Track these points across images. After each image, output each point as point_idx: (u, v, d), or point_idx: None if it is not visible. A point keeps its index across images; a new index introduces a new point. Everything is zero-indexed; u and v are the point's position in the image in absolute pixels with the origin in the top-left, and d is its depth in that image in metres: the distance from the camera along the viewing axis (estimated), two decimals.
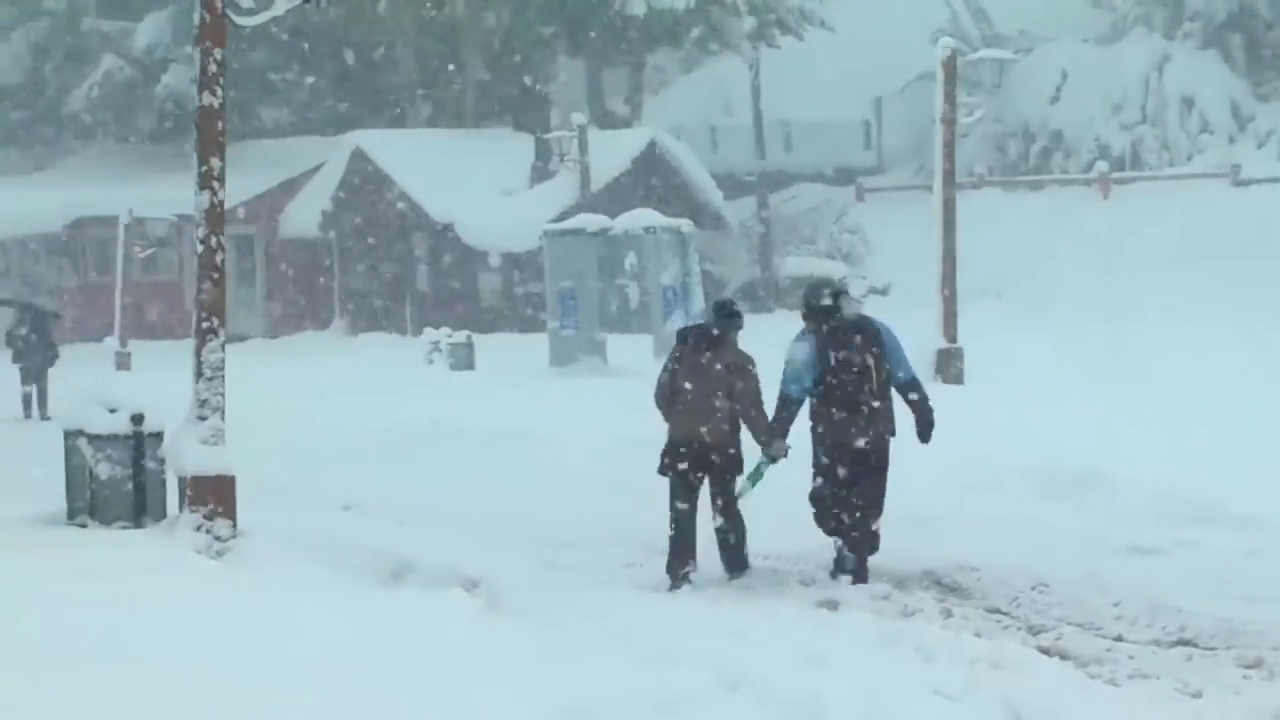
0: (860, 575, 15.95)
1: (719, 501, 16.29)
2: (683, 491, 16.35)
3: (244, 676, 10.46)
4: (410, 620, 12.36)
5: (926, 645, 12.64)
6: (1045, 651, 13.08)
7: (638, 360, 37.31)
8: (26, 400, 34.96)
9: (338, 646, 11.22)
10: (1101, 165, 56.54)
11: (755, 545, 16.83)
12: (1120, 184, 55.71)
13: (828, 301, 16.23)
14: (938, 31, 50.95)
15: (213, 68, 16.50)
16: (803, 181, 61.48)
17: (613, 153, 52.33)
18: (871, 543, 16.18)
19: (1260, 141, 56.60)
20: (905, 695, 11.20)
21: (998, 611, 14.76)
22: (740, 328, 16.51)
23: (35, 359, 35.42)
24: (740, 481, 16.39)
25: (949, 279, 30.08)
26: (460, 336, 41.76)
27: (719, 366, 16.21)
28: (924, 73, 46.65)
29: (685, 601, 14.31)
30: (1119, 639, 13.64)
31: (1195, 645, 13.39)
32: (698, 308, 38.93)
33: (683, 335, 16.87)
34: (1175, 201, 52.79)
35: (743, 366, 16.23)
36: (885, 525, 16.45)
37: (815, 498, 16.42)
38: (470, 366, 40.29)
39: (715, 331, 16.39)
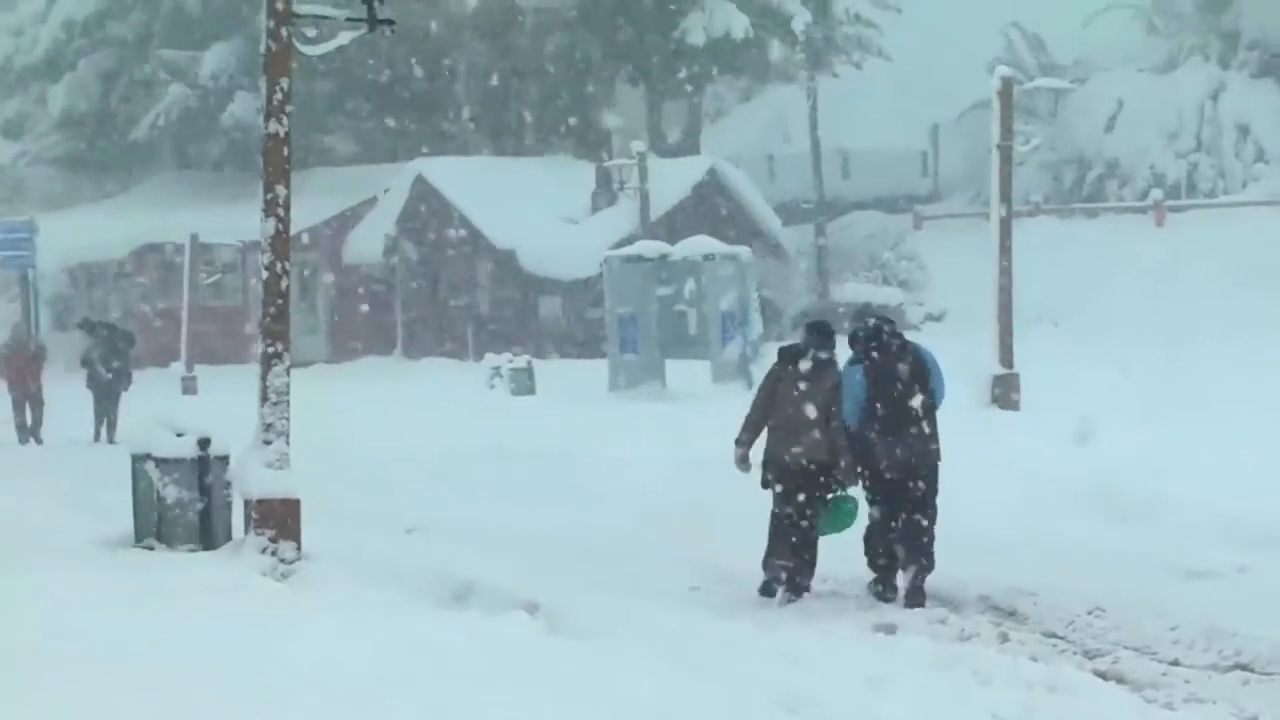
0: (916, 599, 16.05)
1: (808, 512, 16.60)
2: (783, 503, 16.66)
3: (307, 696, 10.48)
4: (472, 642, 12.36)
5: (984, 669, 12.61)
6: (1102, 676, 13.05)
7: (696, 385, 37.35)
8: (99, 423, 35.02)
9: (401, 669, 11.22)
10: (1156, 193, 56.41)
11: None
12: (1175, 211, 55.56)
13: (873, 330, 16.60)
14: (994, 60, 50.95)
15: (279, 96, 16.55)
16: (860, 209, 61.43)
17: (672, 181, 52.37)
18: (926, 565, 16.24)
19: None
20: (963, 719, 11.18)
21: (1054, 636, 14.72)
22: (834, 345, 16.89)
23: (108, 383, 35.39)
24: (824, 518, 16.74)
25: (1005, 305, 30.02)
26: (521, 361, 41.82)
27: (819, 385, 16.65)
28: (980, 101, 46.61)
29: (745, 624, 14.27)
30: (1175, 663, 13.60)
31: (1251, 670, 13.33)
32: (756, 334, 38.97)
33: (783, 355, 17.22)
34: (1230, 229, 52.59)
35: (839, 387, 16.62)
36: (942, 548, 16.51)
37: (868, 534, 16.75)
38: (531, 391, 40.34)
39: (814, 352, 16.77)
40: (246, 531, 16.44)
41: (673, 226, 48.08)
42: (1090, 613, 15.40)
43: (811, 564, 16.66)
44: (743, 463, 17.15)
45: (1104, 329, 44.78)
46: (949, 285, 50.22)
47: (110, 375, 35.36)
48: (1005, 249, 30.07)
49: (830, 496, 16.72)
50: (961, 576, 16.81)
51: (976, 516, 18.43)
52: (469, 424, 32.86)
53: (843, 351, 16.87)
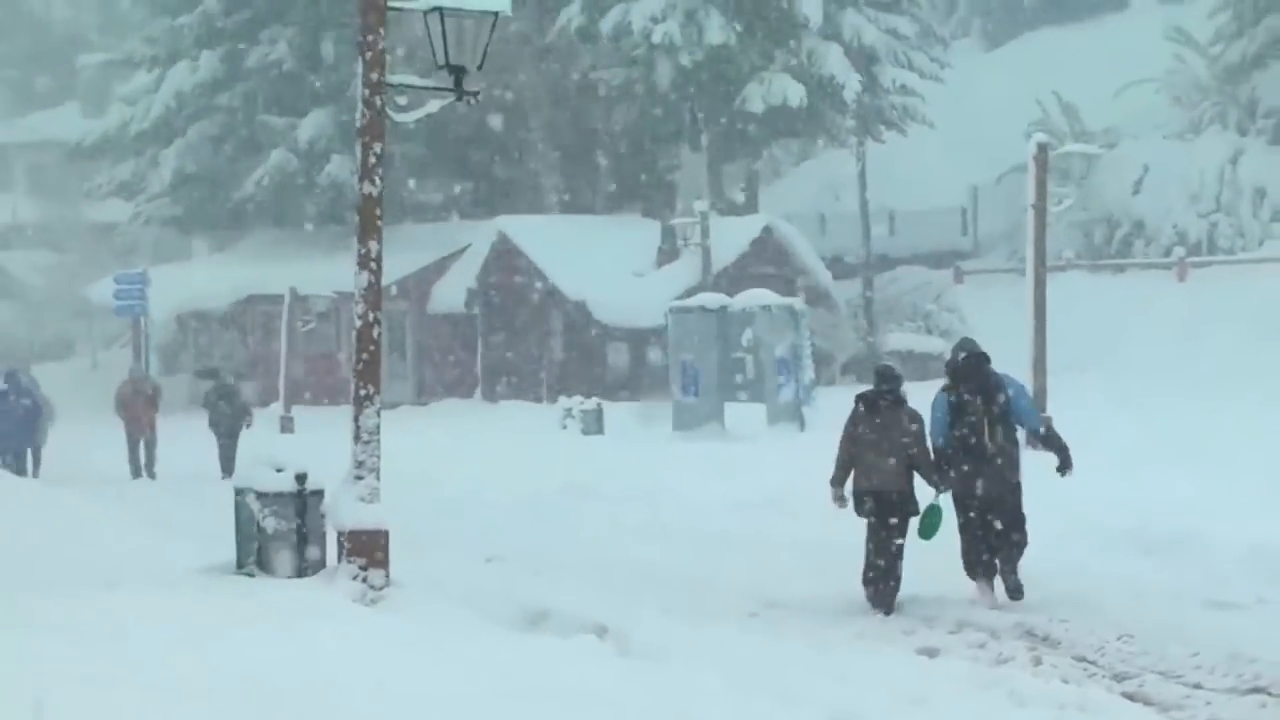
0: (1017, 594, 17.02)
1: (896, 538, 17.37)
2: (876, 532, 17.43)
3: (395, 713, 10.49)
4: (547, 663, 12.37)
5: (1019, 691, 12.58)
6: (1129, 698, 13.00)
7: (753, 426, 37.35)
8: (222, 461, 34.99)
9: (482, 688, 11.23)
10: (1179, 250, 56.20)
11: (854, 597, 16.95)
12: (1197, 268, 55.34)
13: (962, 362, 17.52)
14: (1031, 127, 50.90)
15: (372, 160, 16.63)
16: (905, 264, 61.26)
17: (732, 237, 52.39)
18: (1011, 574, 17.18)
19: None
20: None
21: (1085, 660, 14.67)
22: (903, 385, 17.75)
23: (227, 424, 35.51)
24: (917, 527, 17.52)
25: (1039, 354, 29.95)
26: (591, 404, 41.84)
27: (892, 422, 17.46)
28: (1017, 165, 46.50)
29: (797, 646, 14.25)
30: (1198, 686, 13.53)
31: (1270, 693, 13.27)
32: (808, 379, 38.94)
33: (861, 399, 17.94)
34: (1248, 284, 52.39)
35: (913, 420, 17.50)
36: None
37: (963, 551, 17.47)
38: (600, 431, 40.35)
39: (886, 393, 17.62)
40: (339, 560, 16.48)
41: (732, 280, 48.08)
42: (1119, 639, 15.34)
43: (896, 587, 17.30)
44: (838, 499, 17.87)
45: (1130, 377, 44.60)
46: (987, 335, 49.60)
47: (231, 416, 35.57)
48: (1039, 301, 30.03)
49: (915, 518, 17.47)
50: (1000, 606, 16.79)
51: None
52: (543, 462, 32.88)
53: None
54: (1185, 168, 58.86)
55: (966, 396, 17.37)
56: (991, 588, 17.31)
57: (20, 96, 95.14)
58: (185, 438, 36.57)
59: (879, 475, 17.48)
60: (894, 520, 17.41)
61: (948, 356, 18.22)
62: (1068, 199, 36.88)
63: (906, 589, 17.35)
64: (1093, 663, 14.56)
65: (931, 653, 14.90)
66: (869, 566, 17.45)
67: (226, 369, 40.76)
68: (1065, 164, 38.06)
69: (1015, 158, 47.89)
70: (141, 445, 36.18)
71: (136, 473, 35.91)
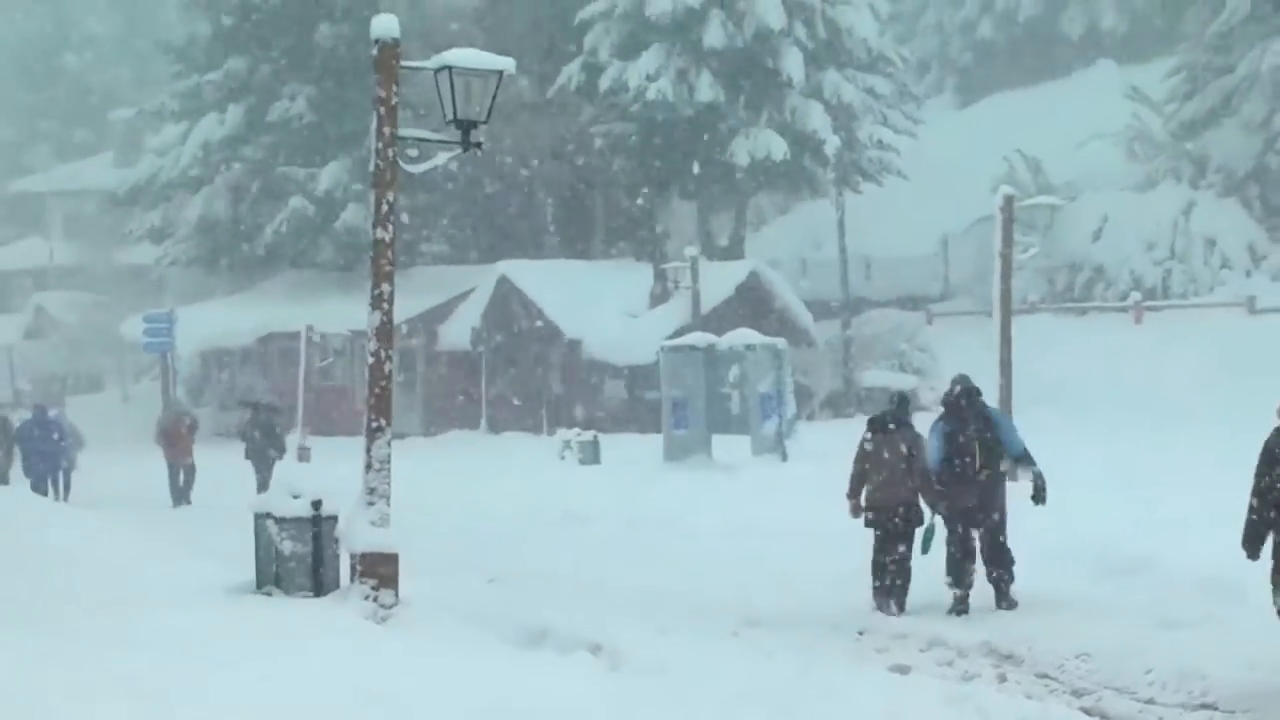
0: (1008, 604, 17.83)
1: (899, 546, 18.23)
2: (884, 540, 18.29)
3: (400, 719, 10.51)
4: (545, 678, 12.36)
5: (985, 706, 12.57)
6: (1087, 712, 13.01)
7: (738, 457, 37.31)
8: (260, 488, 34.76)
9: (484, 701, 11.23)
10: (1136, 295, 56.26)
11: (840, 617, 16.93)
12: (1152, 311, 55.39)
13: (956, 396, 18.42)
14: (997, 180, 50.98)
15: (385, 207, 16.64)
16: (880, 307, 61.27)
17: (719, 281, 52.40)
18: (1007, 577, 17.98)
19: (1274, 276, 56.20)
20: None
21: (1046, 676, 14.67)
22: (911, 413, 18.97)
23: (262, 454, 35.35)
24: (919, 542, 18.31)
25: (1006, 390, 29.94)
26: (588, 435, 41.78)
27: (899, 444, 18.35)
28: (985, 215, 46.53)
29: (780, 664, 14.24)
30: (1151, 702, 13.54)
31: (1217, 709, 13.28)
32: (790, 413, 38.91)
33: (872, 423, 18.82)
34: (1199, 327, 52.47)
35: (915, 443, 18.38)
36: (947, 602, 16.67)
37: (948, 560, 18.09)
38: (596, 461, 40.30)
39: (894, 417, 18.62)
40: (352, 580, 16.46)
41: (719, 320, 48.07)
42: (1078, 657, 15.34)
43: (905, 586, 18.19)
44: (854, 512, 18.60)
45: (1091, 412, 44.59)
46: (956, 372, 49.95)
47: (266, 446, 35.46)
48: (1006, 342, 30.04)
49: (920, 529, 18.25)
50: (967, 625, 16.80)
51: (980, 571, 18.45)
52: (543, 489, 32.88)
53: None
54: (1142, 218, 58.96)
55: (960, 426, 18.17)
56: (968, 598, 17.96)
57: (58, 147, 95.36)
58: (217, 466, 36.48)
59: (884, 490, 18.30)
60: (897, 531, 18.25)
61: (944, 391, 18.91)
62: (1032, 247, 36.83)
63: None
64: (1054, 679, 14.56)
65: (903, 670, 14.90)
66: (875, 573, 18.28)
67: (265, 402, 40.49)
68: (1030, 214, 37.89)
69: (983, 208, 47.90)
70: (181, 474, 36.05)
71: (178, 501, 35.77)
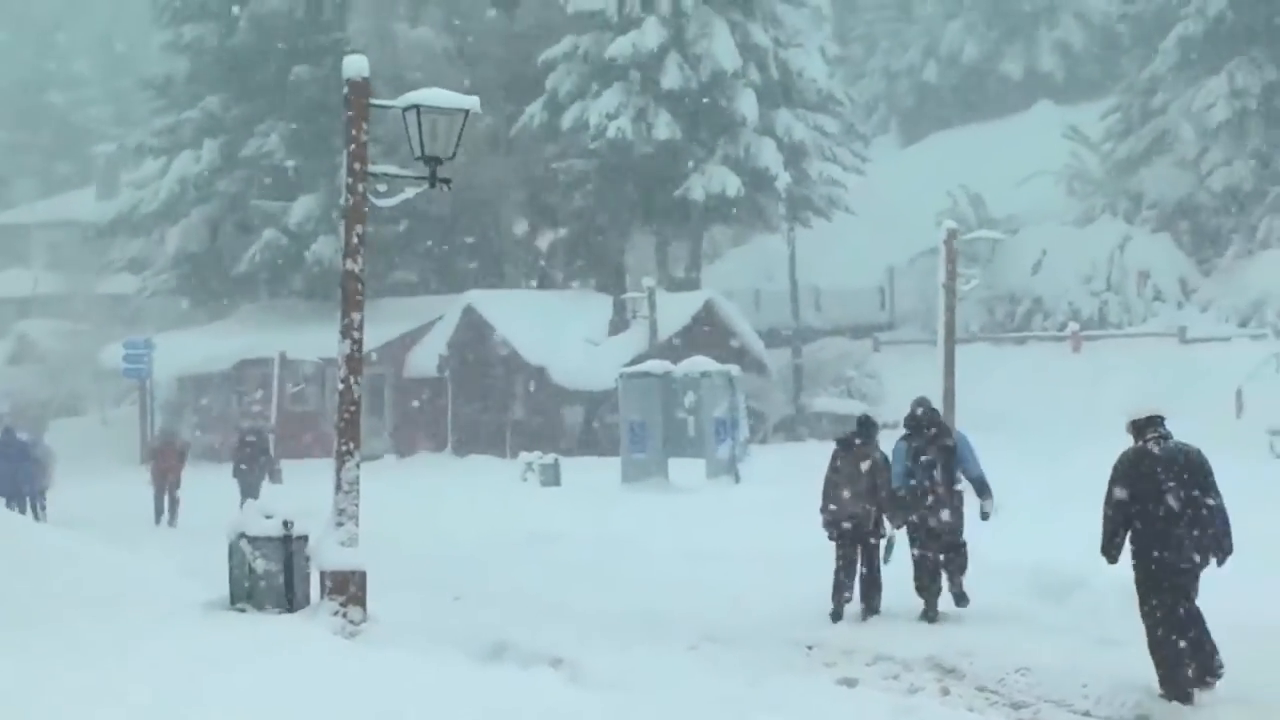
0: (963, 601, 18.41)
1: (870, 559, 18.72)
2: (843, 550, 18.70)
3: None
4: (506, 691, 12.33)
5: (928, 718, 12.56)
6: None
7: (693, 479, 37.29)
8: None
9: (448, 713, 11.20)
10: (1073, 325, 56.51)
11: (791, 633, 16.92)
12: (1089, 340, 55.62)
13: (917, 418, 18.78)
14: (941, 214, 51.13)
15: (355, 240, 16.62)
16: (829, 335, 61.47)
17: (676, 310, 52.44)
18: (962, 570, 18.52)
19: (1203, 307, 56.55)
20: None
21: (987, 690, 14.67)
22: (877, 433, 19.24)
23: (250, 476, 35.13)
24: (883, 553, 18.77)
25: (949, 415, 30.01)
26: (549, 459, 41.68)
27: (864, 463, 18.72)
28: (929, 248, 46.81)
29: (733, 679, 14.21)
30: (1087, 714, 13.55)
31: None
32: (743, 437, 38.92)
33: (841, 442, 19.26)
34: (1134, 355, 52.69)
35: (878, 463, 18.70)
36: (894, 620, 16.63)
37: (916, 566, 18.47)
38: (557, 483, 40.21)
39: (862, 439, 18.99)
40: (322, 597, 16.42)
41: (676, 348, 48.09)
42: (1018, 671, 15.34)
43: (877, 593, 18.68)
44: (827, 528, 18.98)
45: (1030, 436, 44.67)
46: (903, 399, 49.86)
47: (258, 466, 35.33)
48: (949, 369, 30.12)
49: (883, 539, 18.69)
50: (912, 640, 16.80)
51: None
52: (506, 510, 32.81)
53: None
54: (1079, 252, 59.26)
55: (922, 445, 18.56)
56: (937, 604, 18.32)
57: (42, 182, 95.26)
58: (198, 487, 36.21)
59: (847, 505, 18.66)
60: (858, 543, 18.67)
61: (906, 415, 19.04)
62: (975, 279, 36.96)
63: (830, 627, 17.44)
64: (994, 693, 14.55)
65: (851, 683, 14.88)
66: (835, 582, 18.66)
67: (256, 426, 40.22)
68: (972, 248, 38.18)
69: (928, 242, 48.13)
70: (166, 496, 35.56)
71: (159, 520, 35.30)
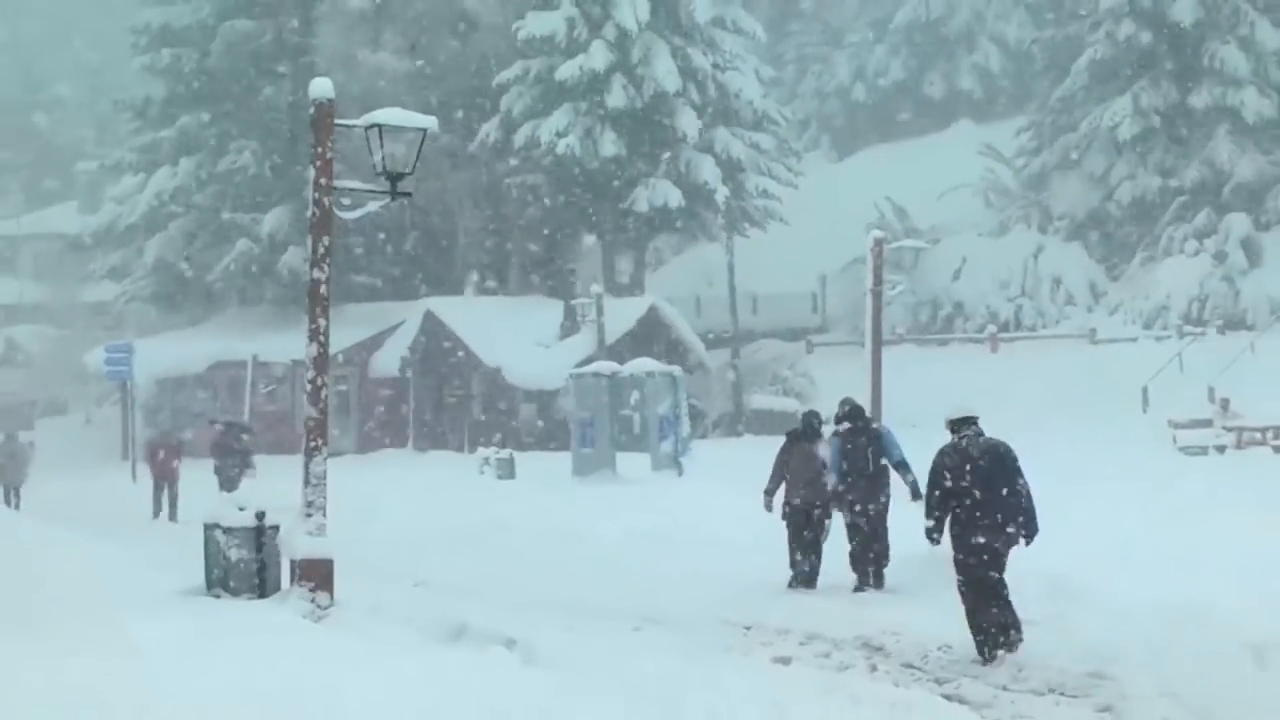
0: (880, 583, 19.37)
1: (816, 535, 19.80)
2: (796, 531, 19.79)
3: (336, 709, 10.43)
4: (463, 670, 12.31)
5: (857, 693, 12.58)
6: (947, 698, 13.03)
7: (639, 472, 37.28)
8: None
9: (409, 690, 11.18)
10: (991, 328, 56.76)
11: (730, 615, 16.94)
12: (1006, 342, 55.87)
13: (847, 414, 19.93)
14: (869, 225, 51.19)
15: (321, 250, 16.59)
16: (765, 337, 61.57)
17: (622, 315, 52.44)
18: (881, 568, 19.46)
19: (1111, 311, 56.84)
20: None
21: (912, 666, 14.71)
22: (822, 426, 20.48)
23: (229, 470, 34.21)
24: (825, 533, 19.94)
25: (876, 412, 30.04)
26: (505, 453, 41.61)
27: (810, 453, 19.89)
28: (858, 256, 46.78)
29: (675, 658, 14.20)
30: (1004, 688, 13.59)
31: (1063, 694, 13.35)
32: (685, 433, 38.94)
33: (790, 435, 20.40)
34: (1047, 355, 52.97)
35: (823, 453, 19.77)
36: (824, 602, 16.65)
37: (852, 548, 19.53)
38: (512, 476, 40.14)
39: (805, 432, 20.16)
40: (292, 584, 16.39)
41: (622, 350, 48.10)
42: (939, 649, 15.41)
43: (817, 565, 19.72)
44: (769, 507, 20.18)
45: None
46: (833, 396, 49.90)
47: (233, 465, 34.42)
48: (877, 369, 30.14)
49: (825, 521, 19.79)
50: (842, 621, 16.83)
51: (848, 574, 18.54)
52: (464, 502, 32.71)
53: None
54: (996, 260, 59.56)
55: (850, 438, 19.60)
56: (869, 580, 19.41)
57: (28, 196, 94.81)
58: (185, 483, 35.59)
59: (799, 491, 19.77)
60: (808, 522, 19.72)
61: (836, 411, 20.14)
62: (900, 285, 36.95)
63: (766, 609, 17.45)
64: (918, 669, 14.60)
65: (785, 661, 14.90)
66: (791, 560, 19.74)
67: (237, 422, 39.71)
68: (898, 256, 38.19)
69: (856, 250, 48.13)
70: (165, 491, 34.87)
71: (156, 514, 34.62)
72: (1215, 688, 13.14)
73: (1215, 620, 15.82)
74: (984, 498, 14.78)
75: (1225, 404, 41.94)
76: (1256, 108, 56.34)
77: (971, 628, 14.97)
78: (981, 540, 14.81)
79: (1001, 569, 14.94)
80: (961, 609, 15.17)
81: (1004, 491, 14.81)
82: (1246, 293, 54.00)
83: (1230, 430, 40.06)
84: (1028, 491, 14.95)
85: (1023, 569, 18.76)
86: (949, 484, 14.93)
